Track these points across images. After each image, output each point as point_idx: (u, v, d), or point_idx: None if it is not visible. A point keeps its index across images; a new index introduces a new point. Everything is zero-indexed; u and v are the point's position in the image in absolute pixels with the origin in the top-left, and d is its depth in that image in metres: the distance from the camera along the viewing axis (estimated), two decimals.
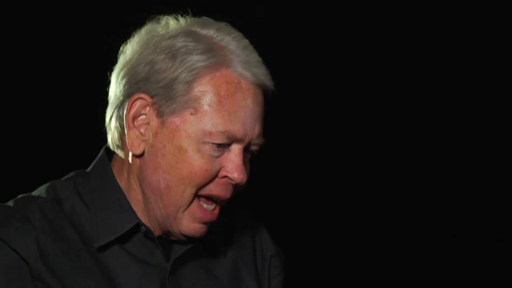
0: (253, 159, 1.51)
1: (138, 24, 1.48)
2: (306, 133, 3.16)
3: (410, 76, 3.16)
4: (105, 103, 1.51)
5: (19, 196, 1.48)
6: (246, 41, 1.45)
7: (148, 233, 1.47)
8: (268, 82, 1.46)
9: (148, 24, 1.47)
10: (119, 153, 1.48)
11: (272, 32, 2.88)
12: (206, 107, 1.39)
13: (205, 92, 1.40)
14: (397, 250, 3.20)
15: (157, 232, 1.48)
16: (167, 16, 1.47)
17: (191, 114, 1.40)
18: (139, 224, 1.46)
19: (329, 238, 3.16)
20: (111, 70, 1.49)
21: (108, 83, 1.50)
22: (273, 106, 1.51)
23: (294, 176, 3.13)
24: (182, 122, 1.40)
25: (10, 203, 1.45)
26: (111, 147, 1.49)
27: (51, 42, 2.74)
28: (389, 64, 3.15)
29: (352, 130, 3.19)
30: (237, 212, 1.66)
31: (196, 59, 1.40)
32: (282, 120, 2.95)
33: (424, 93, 3.19)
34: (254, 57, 1.45)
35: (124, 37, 1.49)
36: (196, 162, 1.40)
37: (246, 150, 1.45)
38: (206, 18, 1.47)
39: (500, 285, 3.16)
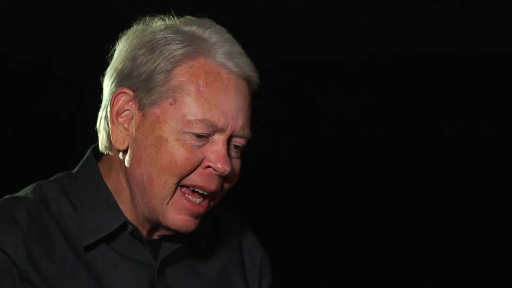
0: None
1: (126, 26, 1.50)
2: (296, 133, 3.17)
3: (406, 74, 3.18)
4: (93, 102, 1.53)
5: (6, 197, 1.48)
6: (229, 35, 1.46)
7: (134, 232, 1.47)
8: (251, 73, 1.45)
9: (134, 25, 1.48)
10: (109, 153, 1.48)
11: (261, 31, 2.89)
12: (185, 96, 1.39)
13: (183, 81, 1.40)
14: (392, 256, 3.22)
15: (145, 230, 1.48)
16: (153, 17, 1.48)
17: (170, 104, 1.40)
18: (126, 223, 1.46)
19: (318, 240, 3.16)
20: (103, 76, 1.50)
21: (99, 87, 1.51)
22: (261, 105, 1.51)
23: (282, 177, 3.13)
24: (162, 112, 1.40)
25: None
26: (101, 149, 1.50)
27: (47, 45, 2.78)
28: (386, 63, 3.16)
29: (347, 131, 3.21)
30: (222, 214, 1.66)
31: (174, 48, 1.41)
32: (269, 119, 2.96)
33: (422, 91, 3.19)
34: (237, 49, 1.45)
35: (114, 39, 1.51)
36: (176, 151, 1.39)
37: (231, 144, 1.44)
38: (190, 17, 1.48)
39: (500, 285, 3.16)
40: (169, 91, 1.40)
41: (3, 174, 2.72)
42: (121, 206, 1.47)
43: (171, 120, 1.39)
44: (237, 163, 1.46)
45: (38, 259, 1.40)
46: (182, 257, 1.53)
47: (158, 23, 1.47)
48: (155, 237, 1.50)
